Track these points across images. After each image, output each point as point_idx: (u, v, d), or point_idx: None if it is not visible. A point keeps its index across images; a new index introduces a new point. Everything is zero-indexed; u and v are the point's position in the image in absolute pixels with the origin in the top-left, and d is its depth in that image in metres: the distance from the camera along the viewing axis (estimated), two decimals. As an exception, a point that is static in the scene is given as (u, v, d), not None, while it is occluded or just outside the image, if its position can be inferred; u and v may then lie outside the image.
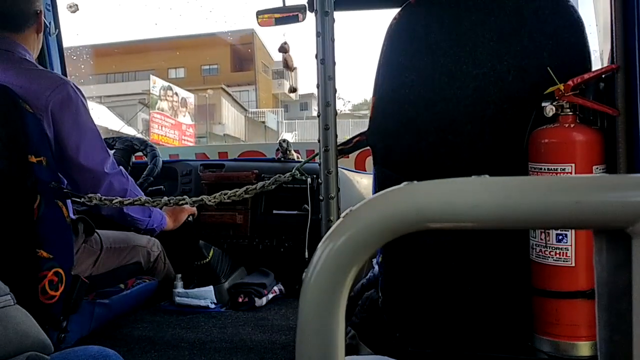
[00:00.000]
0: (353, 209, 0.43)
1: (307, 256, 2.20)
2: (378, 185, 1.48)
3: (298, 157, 2.70)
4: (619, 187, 0.39)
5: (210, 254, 2.22)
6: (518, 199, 0.40)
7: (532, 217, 0.40)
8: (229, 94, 25.44)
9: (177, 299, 2.14)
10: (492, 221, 0.40)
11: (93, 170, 1.68)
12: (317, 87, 1.34)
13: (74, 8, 2.08)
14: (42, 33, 1.83)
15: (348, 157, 1.74)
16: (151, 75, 18.67)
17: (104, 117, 16.38)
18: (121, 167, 1.80)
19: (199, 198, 1.58)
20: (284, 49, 1.85)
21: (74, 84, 1.69)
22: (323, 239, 0.43)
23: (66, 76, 2.33)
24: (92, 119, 1.72)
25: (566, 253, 1.16)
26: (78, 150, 1.65)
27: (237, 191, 1.55)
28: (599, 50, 1.49)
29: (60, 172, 1.64)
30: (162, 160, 2.39)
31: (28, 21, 1.73)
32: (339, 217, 0.44)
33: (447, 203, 0.41)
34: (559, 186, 0.40)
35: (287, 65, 1.84)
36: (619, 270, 0.42)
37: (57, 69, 2.38)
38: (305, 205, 2.36)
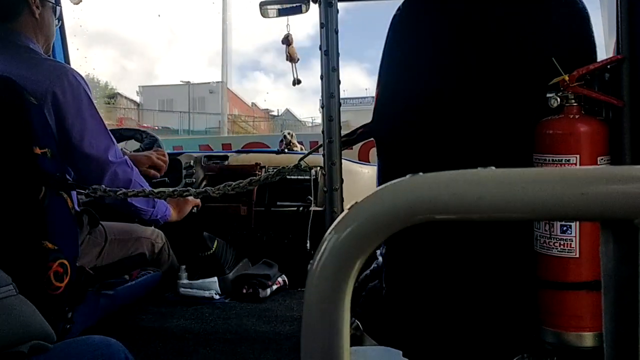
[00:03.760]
0: (358, 201, 0.43)
1: (308, 248, 2.20)
2: (382, 177, 1.47)
3: (302, 149, 2.70)
4: (626, 178, 0.39)
5: (215, 245, 2.22)
6: (524, 190, 0.40)
7: (538, 208, 0.40)
8: None
9: (182, 290, 2.15)
10: (498, 213, 0.40)
11: (97, 158, 1.67)
12: (321, 79, 1.34)
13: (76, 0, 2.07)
14: (50, 19, 1.81)
15: (352, 148, 1.73)
16: None
17: None
18: (126, 156, 1.80)
19: (203, 189, 1.58)
20: (287, 40, 1.84)
21: (76, 71, 1.68)
22: (329, 231, 0.43)
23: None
24: (95, 106, 1.71)
25: (570, 244, 1.16)
26: (82, 139, 1.64)
27: (241, 183, 1.55)
28: (604, 40, 1.48)
29: (64, 162, 1.64)
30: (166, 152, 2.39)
31: (18, 7, 1.72)
32: (343, 209, 0.44)
33: (453, 195, 0.41)
34: (565, 178, 0.40)
35: (291, 58, 1.82)
36: (625, 261, 0.42)
37: (60, 60, 2.37)
38: (309, 197, 2.37)
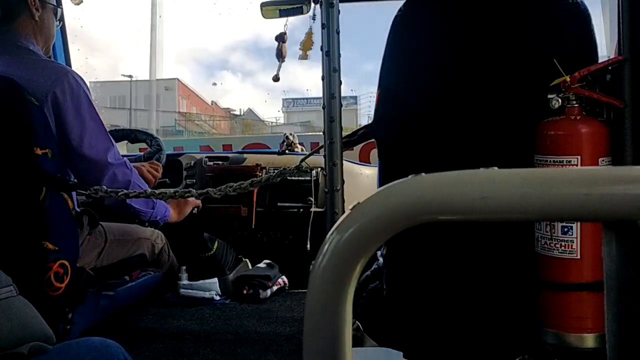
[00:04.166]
0: (361, 201, 0.43)
1: (309, 249, 2.21)
2: (383, 178, 1.47)
3: (302, 150, 2.70)
4: (629, 178, 0.38)
5: (215, 246, 2.22)
6: (527, 190, 0.40)
7: (540, 209, 0.39)
8: None
9: (182, 291, 2.15)
10: (502, 213, 0.40)
11: (96, 160, 1.67)
12: (322, 80, 1.34)
13: (77, 0, 2.06)
14: (50, 20, 1.81)
15: (352, 149, 1.73)
16: None
17: None
18: (125, 158, 1.80)
19: (204, 190, 1.58)
20: (282, 38, 1.85)
21: (76, 73, 1.68)
22: (331, 231, 0.43)
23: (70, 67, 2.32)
24: (95, 108, 1.71)
25: (572, 245, 1.16)
26: (81, 141, 1.64)
27: (242, 183, 1.55)
28: (606, 41, 1.48)
29: (63, 163, 1.64)
30: (167, 153, 2.38)
31: (15, 8, 1.72)
32: (344, 210, 0.44)
33: (456, 195, 0.40)
34: (569, 178, 0.40)
35: (281, 55, 1.84)
36: (628, 262, 0.42)
37: (61, 61, 2.37)
38: (310, 198, 2.37)
